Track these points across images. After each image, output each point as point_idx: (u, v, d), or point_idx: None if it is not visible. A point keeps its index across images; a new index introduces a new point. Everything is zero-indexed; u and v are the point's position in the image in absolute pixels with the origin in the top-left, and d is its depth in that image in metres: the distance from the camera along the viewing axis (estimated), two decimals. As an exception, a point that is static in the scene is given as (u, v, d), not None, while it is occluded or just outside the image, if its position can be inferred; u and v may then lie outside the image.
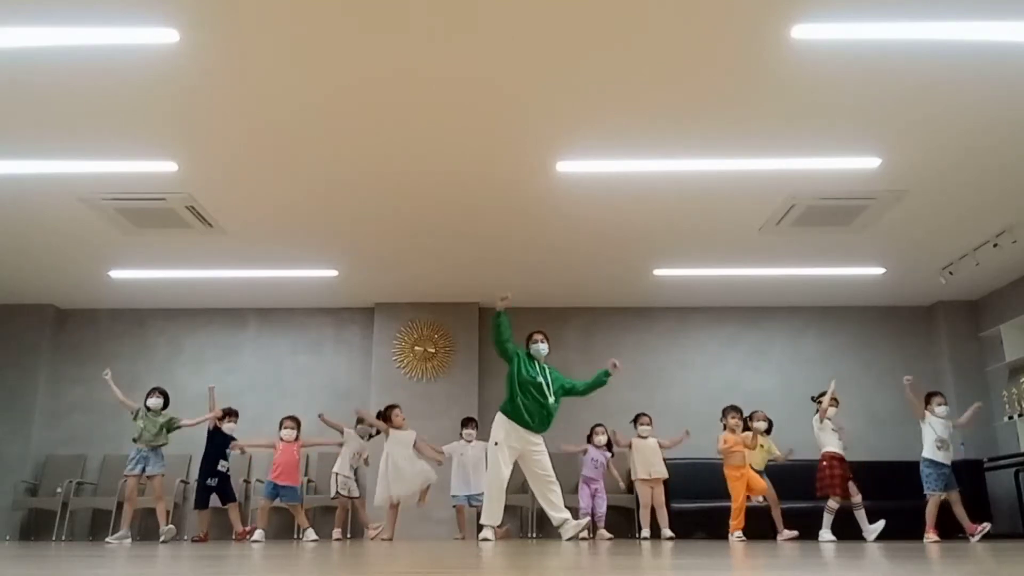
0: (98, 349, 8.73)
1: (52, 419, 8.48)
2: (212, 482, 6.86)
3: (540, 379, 5.77)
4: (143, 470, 6.59)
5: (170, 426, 6.78)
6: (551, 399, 5.74)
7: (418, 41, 4.11)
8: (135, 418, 6.75)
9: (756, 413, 6.93)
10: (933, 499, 6.11)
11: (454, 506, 7.26)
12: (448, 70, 4.37)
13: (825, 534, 6.24)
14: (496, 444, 5.70)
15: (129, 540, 6.49)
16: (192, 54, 4.18)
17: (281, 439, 6.91)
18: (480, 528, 5.76)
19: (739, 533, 6.32)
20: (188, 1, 3.76)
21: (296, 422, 7.00)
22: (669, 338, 8.79)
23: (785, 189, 5.89)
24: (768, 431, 6.98)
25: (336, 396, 8.50)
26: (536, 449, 5.74)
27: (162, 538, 6.50)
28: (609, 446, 7.27)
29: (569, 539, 5.63)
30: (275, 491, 6.78)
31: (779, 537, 6.54)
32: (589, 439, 7.32)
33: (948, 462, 6.13)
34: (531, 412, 5.70)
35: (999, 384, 8.07)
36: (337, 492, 7.11)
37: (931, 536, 6.03)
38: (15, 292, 8.28)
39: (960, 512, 6.11)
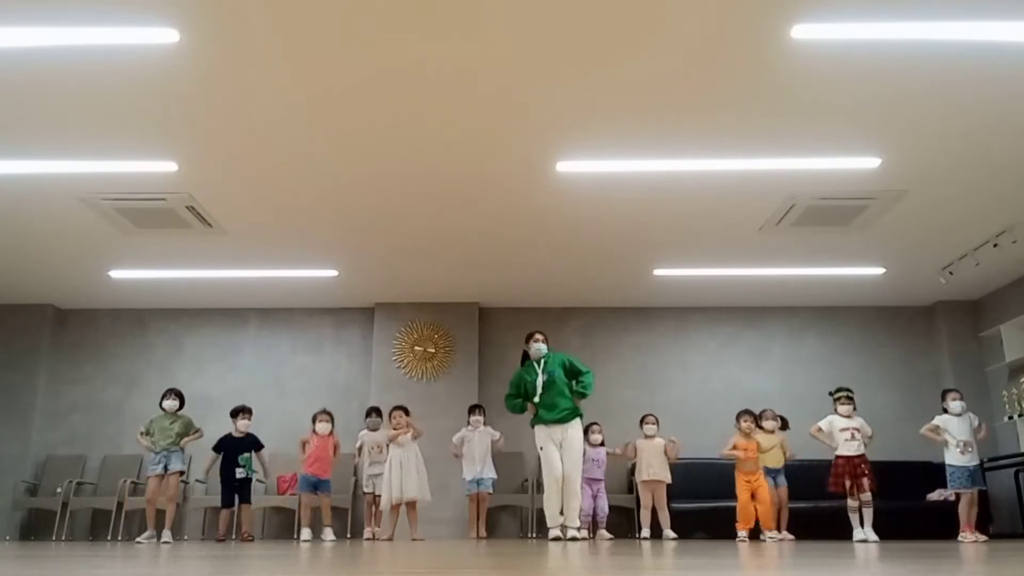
0: (98, 349, 8.73)
1: (52, 419, 8.48)
2: (234, 484, 6.93)
3: (536, 379, 5.88)
4: (165, 468, 6.61)
5: (183, 434, 6.76)
6: (544, 379, 5.81)
7: (418, 41, 4.11)
8: (148, 433, 6.72)
9: (766, 412, 6.92)
10: (965, 497, 6.05)
11: (467, 495, 7.28)
12: (448, 70, 4.37)
13: (856, 533, 6.14)
14: (541, 448, 5.87)
15: (156, 539, 6.50)
16: (192, 54, 4.18)
17: (315, 432, 7.01)
18: (549, 530, 5.76)
19: (743, 533, 6.34)
20: (188, 1, 3.76)
21: (330, 415, 7.09)
22: (669, 338, 8.79)
23: (785, 189, 5.89)
24: (784, 428, 6.95)
25: (336, 396, 8.50)
26: (567, 445, 5.78)
27: (152, 539, 6.50)
28: (604, 443, 7.25)
29: (552, 538, 5.68)
30: (312, 483, 6.89)
31: (774, 534, 6.49)
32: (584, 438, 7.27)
33: (974, 463, 6.06)
34: (541, 409, 5.86)
35: (999, 384, 8.07)
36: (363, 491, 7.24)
37: (969, 536, 5.94)
38: (15, 292, 8.28)
39: (972, 512, 6.06)
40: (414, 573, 2.22)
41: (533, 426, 5.94)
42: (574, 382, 5.92)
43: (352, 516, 7.91)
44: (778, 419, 6.95)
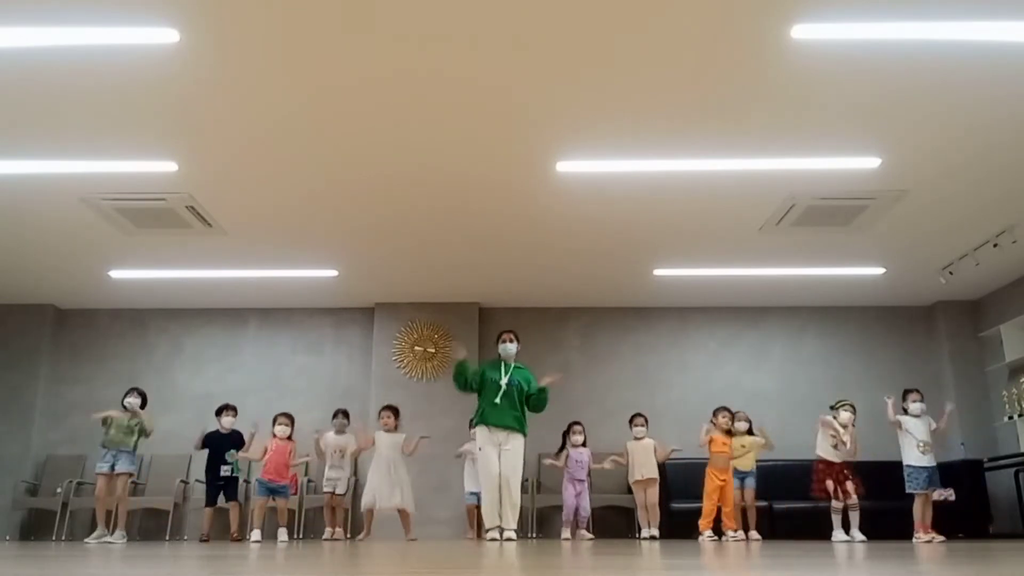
0: (98, 349, 8.73)
1: (52, 419, 8.48)
2: (220, 483, 6.90)
3: (499, 379, 5.86)
4: (112, 468, 6.58)
5: (142, 430, 6.74)
6: (502, 394, 5.80)
7: (418, 42, 4.11)
8: (104, 424, 6.70)
9: (739, 413, 6.93)
10: (920, 498, 6.11)
11: (467, 506, 7.25)
12: (448, 71, 4.37)
13: (836, 534, 6.22)
14: (480, 450, 5.89)
15: (109, 538, 6.49)
16: (192, 54, 4.18)
17: (274, 435, 6.89)
18: (487, 531, 5.77)
19: (709, 532, 6.41)
20: (188, 1, 3.76)
21: (290, 419, 6.97)
22: (669, 338, 8.79)
23: (785, 189, 5.89)
24: (750, 432, 6.96)
25: (336, 396, 8.49)
26: (506, 449, 5.78)
27: (99, 540, 6.45)
28: (586, 443, 7.18)
29: (489, 539, 5.68)
30: (270, 489, 6.79)
31: (742, 534, 6.56)
32: (564, 440, 7.20)
33: (932, 464, 6.14)
34: (490, 409, 5.83)
35: (999, 384, 8.07)
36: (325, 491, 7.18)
37: (924, 536, 6.01)
38: (15, 292, 8.28)
39: (927, 511, 6.12)
40: (414, 573, 2.22)
41: (474, 426, 5.95)
42: (529, 399, 5.92)
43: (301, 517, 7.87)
44: (747, 422, 6.94)
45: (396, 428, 6.87)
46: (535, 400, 5.96)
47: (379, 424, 6.91)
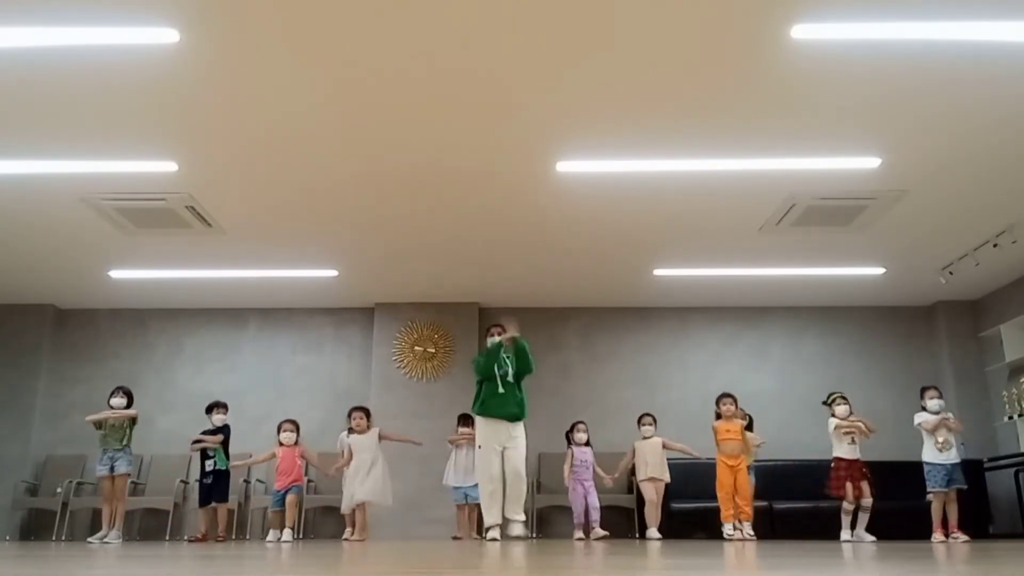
0: (98, 349, 8.73)
1: (52, 419, 8.48)
2: (207, 480, 6.85)
3: (496, 371, 5.85)
4: (111, 469, 6.57)
5: (133, 421, 6.75)
6: (506, 383, 5.82)
7: (418, 41, 4.11)
8: (99, 427, 6.69)
9: (738, 411, 6.87)
10: (938, 498, 6.07)
11: (455, 503, 7.23)
12: (448, 70, 4.37)
13: (844, 534, 6.21)
14: (480, 448, 5.87)
15: (110, 539, 6.49)
16: (192, 54, 4.18)
17: (281, 443, 6.88)
18: (487, 530, 5.73)
19: (730, 526, 6.23)
20: (188, 1, 3.76)
21: (295, 425, 6.95)
22: (669, 338, 8.79)
23: (785, 189, 5.89)
24: (749, 427, 6.92)
25: (336, 396, 8.50)
26: (512, 444, 5.77)
27: (103, 539, 6.48)
28: (589, 443, 7.19)
29: (514, 536, 5.64)
30: (283, 499, 6.77)
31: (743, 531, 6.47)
32: (568, 439, 7.22)
33: (953, 461, 6.09)
34: (491, 399, 5.83)
35: (999, 384, 8.07)
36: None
37: (938, 536, 6.00)
38: (15, 292, 8.28)
39: (952, 509, 6.08)
40: (414, 573, 2.22)
41: (475, 415, 5.94)
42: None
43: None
44: (745, 417, 6.88)
45: (368, 428, 6.76)
46: (524, 365, 5.95)
47: (351, 425, 6.75)
